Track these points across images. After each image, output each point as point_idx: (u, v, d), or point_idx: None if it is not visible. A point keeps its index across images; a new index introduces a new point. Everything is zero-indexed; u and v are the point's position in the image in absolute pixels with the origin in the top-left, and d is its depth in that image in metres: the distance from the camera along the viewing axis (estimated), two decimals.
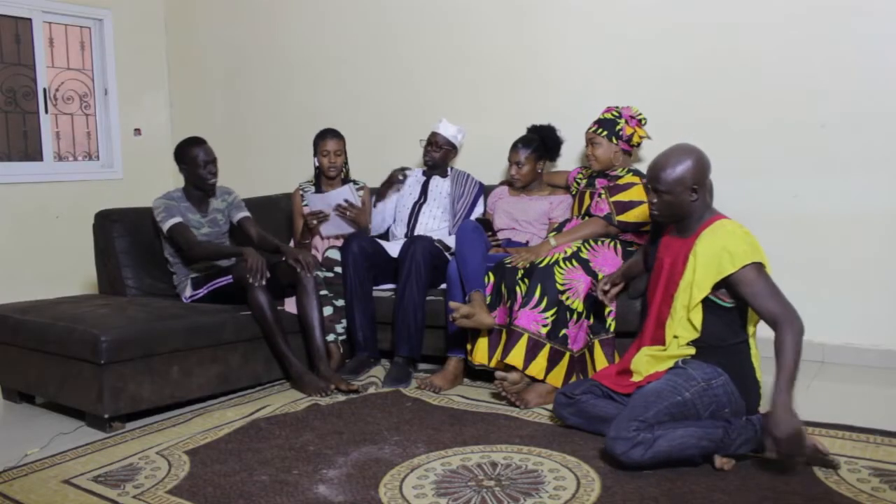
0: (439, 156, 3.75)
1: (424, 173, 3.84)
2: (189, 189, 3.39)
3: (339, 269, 3.38)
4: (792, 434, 2.04)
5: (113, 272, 3.44)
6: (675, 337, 2.32)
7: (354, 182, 3.77)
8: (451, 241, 3.55)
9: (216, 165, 3.37)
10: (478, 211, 3.75)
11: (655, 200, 2.37)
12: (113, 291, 3.45)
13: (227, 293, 3.19)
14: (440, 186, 3.78)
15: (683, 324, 2.30)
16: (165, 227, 3.23)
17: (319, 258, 3.45)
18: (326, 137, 3.74)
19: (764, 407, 2.36)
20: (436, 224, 3.72)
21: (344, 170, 3.81)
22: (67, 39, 4.91)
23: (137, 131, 5.20)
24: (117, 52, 5.06)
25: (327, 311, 3.33)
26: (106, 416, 2.69)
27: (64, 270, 4.64)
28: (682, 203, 2.32)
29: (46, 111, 4.75)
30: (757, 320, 2.33)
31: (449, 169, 3.85)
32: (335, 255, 3.41)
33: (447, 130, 3.75)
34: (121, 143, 5.11)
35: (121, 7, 5.07)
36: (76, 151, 5.00)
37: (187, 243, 3.22)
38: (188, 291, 3.32)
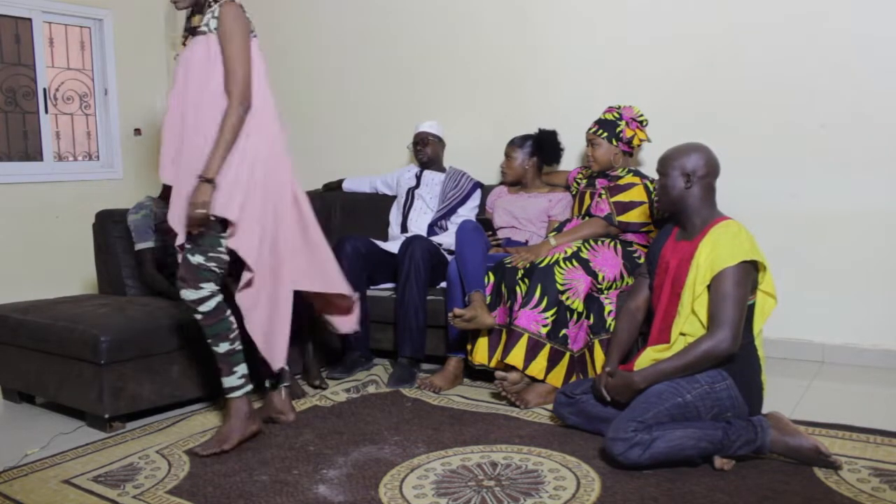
0: (430, 150, 3.85)
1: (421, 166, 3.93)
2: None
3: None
4: (622, 395, 2.35)
5: (113, 272, 3.45)
6: (682, 335, 2.32)
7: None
8: (443, 239, 3.60)
9: None
10: (470, 206, 3.75)
11: (657, 186, 2.48)
12: (113, 291, 3.45)
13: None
14: (434, 177, 3.84)
15: (690, 320, 2.31)
16: (136, 247, 3.38)
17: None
18: None
19: (766, 409, 2.37)
20: (427, 207, 3.75)
21: None
22: (67, 39, 4.90)
23: (137, 131, 5.19)
24: (117, 52, 5.04)
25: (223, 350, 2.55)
26: (106, 415, 2.69)
27: (64, 270, 4.63)
28: (675, 188, 2.38)
29: (46, 111, 4.74)
30: (763, 321, 2.34)
31: (447, 167, 3.89)
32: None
33: (430, 127, 3.89)
34: (121, 143, 5.09)
35: (121, 7, 5.06)
36: (76, 151, 5.00)
37: (142, 269, 3.38)
38: None
